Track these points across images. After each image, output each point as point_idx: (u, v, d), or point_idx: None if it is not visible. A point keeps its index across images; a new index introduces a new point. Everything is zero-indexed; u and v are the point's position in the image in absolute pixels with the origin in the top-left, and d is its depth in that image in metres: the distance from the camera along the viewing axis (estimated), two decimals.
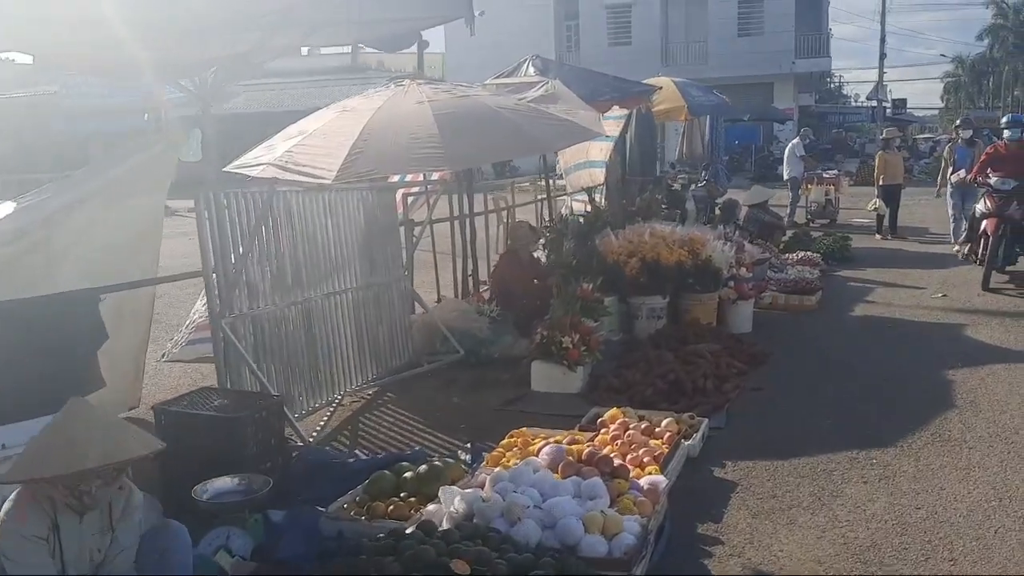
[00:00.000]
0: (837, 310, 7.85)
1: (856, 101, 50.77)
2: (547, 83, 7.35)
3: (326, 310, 5.23)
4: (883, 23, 36.13)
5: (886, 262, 10.54)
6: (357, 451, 4.51)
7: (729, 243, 7.19)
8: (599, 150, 10.53)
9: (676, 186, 11.33)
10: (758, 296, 7.62)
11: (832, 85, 52.10)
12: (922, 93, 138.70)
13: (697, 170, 14.34)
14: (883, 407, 5.09)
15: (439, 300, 7.63)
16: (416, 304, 6.82)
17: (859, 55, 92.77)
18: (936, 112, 56.30)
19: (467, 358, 6.23)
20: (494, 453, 4.09)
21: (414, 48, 6.28)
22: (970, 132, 10.99)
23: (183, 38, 4.22)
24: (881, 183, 12.87)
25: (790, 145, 15.10)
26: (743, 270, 7.27)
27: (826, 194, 14.75)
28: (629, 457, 3.93)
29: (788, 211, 14.23)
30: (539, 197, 10.23)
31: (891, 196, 12.88)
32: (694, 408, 4.91)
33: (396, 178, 7.29)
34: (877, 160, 13.25)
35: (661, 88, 10.64)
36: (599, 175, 10.78)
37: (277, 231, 4.76)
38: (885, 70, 33.55)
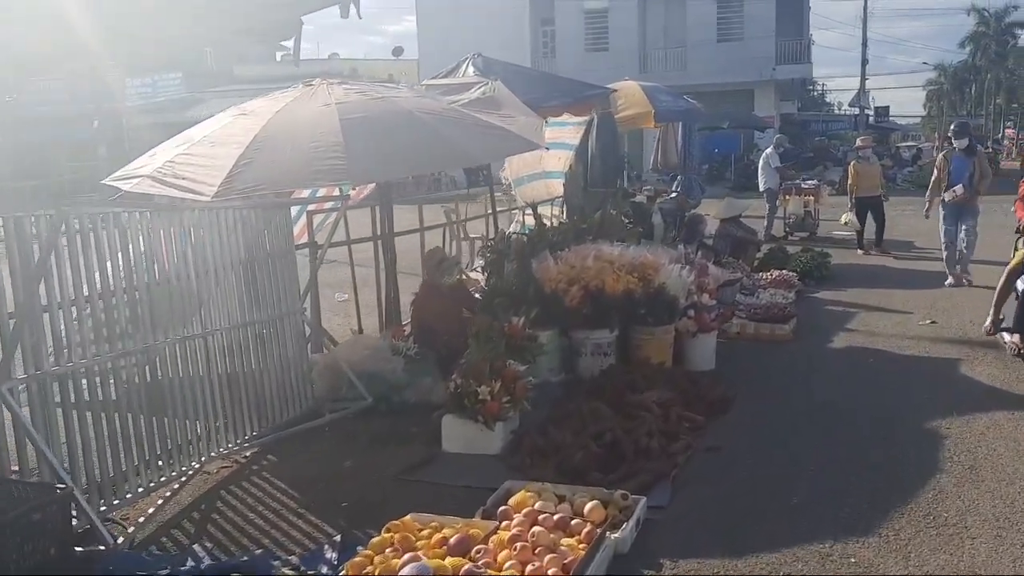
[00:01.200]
0: (813, 341, 6.92)
1: (839, 109, 50.28)
2: (486, 84, 6.46)
3: (182, 358, 4.24)
4: (865, 29, 35.77)
5: (869, 281, 9.65)
6: (196, 546, 3.53)
7: (689, 266, 6.25)
8: (557, 159, 9.60)
9: (641, 198, 10.38)
10: (723, 325, 6.71)
11: (815, 93, 51.57)
12: (905, 101, 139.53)
13: (668, 180, 13.47)
14: (863, 474, 4.16)
15: (359, 331, 6.69)
16: (325, 341, 5.89)
17: (841, 62, 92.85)
18: (919, 120, 56.01)
19: (376, 406, 5.28)
20: (358, 559, 3.13)
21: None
22: (966, 140, 9.09)
23: None
24: (855, 195, 12.01)
25: (764, 155, 14.20)
26: (705, 297, 6.34)
27: (805, 206, 13.90)
28: (530, 568, 2.98)
29: (765, 224, 13.38)
30: (487, 211, 9.28)
31: (865, 209, 12.00)
32: (633, 478, 3.99)
33: (306, 192, 6.35)
34: (850, 171, 12.36)
35: (622, 91, 9.74)
36: (557, 187, 9.85)
37: (102, 263, 3.77)
38: (867, 77, 33.08)
